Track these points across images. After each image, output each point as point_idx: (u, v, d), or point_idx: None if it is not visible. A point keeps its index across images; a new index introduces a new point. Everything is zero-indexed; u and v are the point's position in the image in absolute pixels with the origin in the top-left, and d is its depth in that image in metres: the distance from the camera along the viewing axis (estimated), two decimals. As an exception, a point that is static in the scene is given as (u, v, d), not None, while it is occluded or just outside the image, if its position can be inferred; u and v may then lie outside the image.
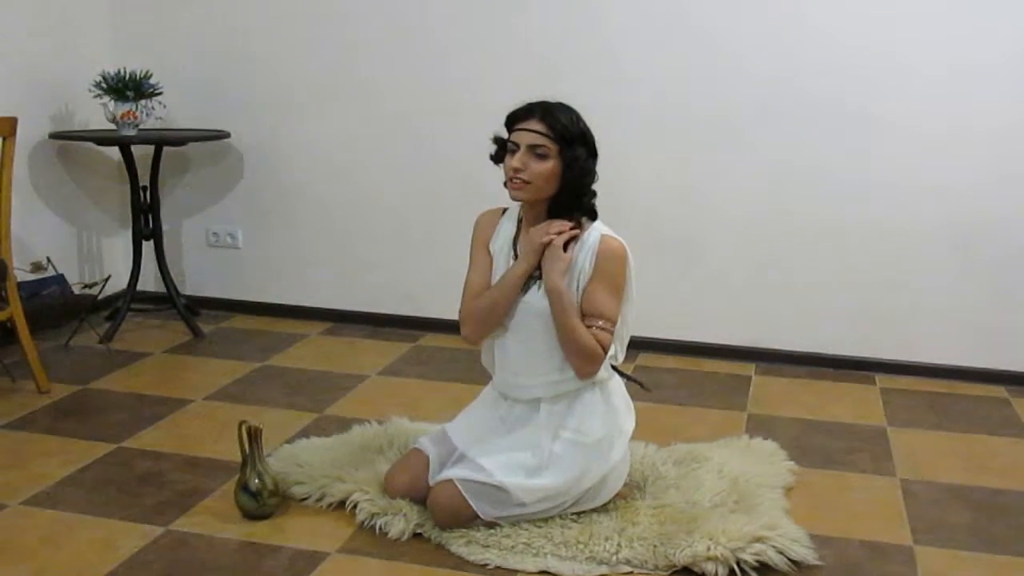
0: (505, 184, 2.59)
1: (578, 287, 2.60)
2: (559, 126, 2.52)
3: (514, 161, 2.53)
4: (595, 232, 2.61)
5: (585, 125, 2.58)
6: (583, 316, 2.59)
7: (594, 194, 2.63)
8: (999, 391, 3.91)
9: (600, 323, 2.58)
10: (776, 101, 3.96)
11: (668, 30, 4.01)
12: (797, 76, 3.92)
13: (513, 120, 2.58)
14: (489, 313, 2.67)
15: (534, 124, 2.53)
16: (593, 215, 2.64)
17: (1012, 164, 3.81)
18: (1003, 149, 3.81)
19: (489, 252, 2.75)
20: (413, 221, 4.46)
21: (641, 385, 2.87)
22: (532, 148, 2.52)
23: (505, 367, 2.73)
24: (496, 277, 2.70)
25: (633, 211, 4.02)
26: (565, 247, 2.57)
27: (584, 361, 2.59)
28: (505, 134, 2.61)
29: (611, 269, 2.59)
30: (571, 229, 2.58)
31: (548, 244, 2.57)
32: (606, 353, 2.61)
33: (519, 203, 2.66)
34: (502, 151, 2.61)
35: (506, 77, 4.12)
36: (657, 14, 4.00)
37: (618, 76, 4.08)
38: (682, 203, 4.14)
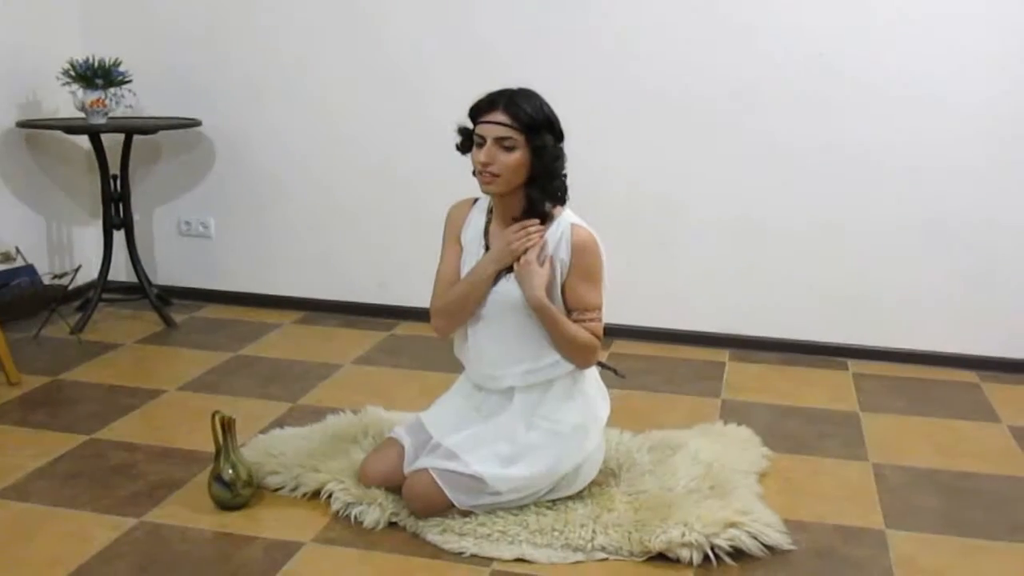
0: (474, 174, 2.58)
1: (559, 279, 2.60)
2: (524, 115, 2.50)
3: (481, 156, 2.52)
4: (565, 221, 2.61)
5: (549, 109, 2.56)
6: (571, 311, 2.61)
7: (565, 177, 2.62)
8: (970, 376, 3.95)
9: (590, 315, 2.60)
10: (751, 89, 3.97)
11: (650, 13, 4.00)
12: (774, 64, 3.93)
13: (476, 112, 2.56)
14: (459, 307, 2.67)
15: (498, 116, 2.51)
16: (563, 200, 2.63)
17: (984, 151, 3.84)
18: (975, 136, 3.83)
19: (460, 244, 2.75)
20: (388, 210, 4.44)
21: (615, 372, 2.88)
22: (499, 140, 2.50)
23: (478, 358, 2.73)
24: (466, 268, 2.70)
25: (608, 198, 4.02)
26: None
27: (584, 355, 2.63)
28: (470, 124, 2.59)
29: (588, 262, 2.59)
30: (540, 227, 2.59)
31: (523, 252, 2.56)
32: (600, 340, 2.63)
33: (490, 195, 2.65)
34: (468, 141, 2.60)
35: (482, 62, 4.10)
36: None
37: (596, 59, 4.07)
38: (656, 191, 4.15)
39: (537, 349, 2.63)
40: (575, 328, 2.58)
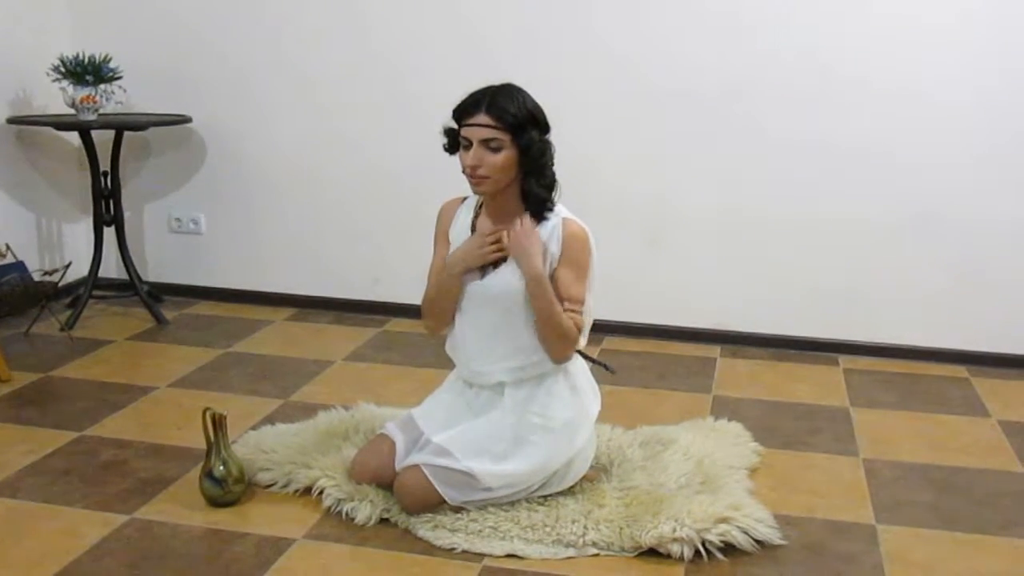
0: (464, 171, 2.58)
1: (548, 271, 2.60)
2: (507, 115, 2.49)
3: (469, 158, 2.52)
4: (557, 215, 2.61)
5: (533, 103, 2.55)
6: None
7: (553, 164, 2.60)
8: (960, 371, 3.96)
9: (572, 307, 2.60)
10: (742, 86, 3.97)
11: (642, 10, 4.00)
12: (766, 60, 3.94)
13: (460, 114, 2.55)
14: (434, 306, 2.71)
15: (482, 118, 2.50)
16: (551, 191, 2.62)
17: (972, 146, 3.85)
18: (965, 132, 3.84)
19: (449, 241, 2.75)
20: (379, 206, 4.44)
21: (606, 368, 2.88)
22: (484, 142, 2.50)
23: (465, 353, 2.73)
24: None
25: (600, 194, 4.02)
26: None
27: (564, 344, 2.61)
28: (455, 125, 2.58)
29: (577, 252, 2.59)
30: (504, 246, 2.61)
31: (498, 249, 2.58)
32: (580, 334, 2.63)
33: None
34: (454, 143, 2.59)
35: (476, 59, 4.09)
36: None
37: (589, 56, 4.08)
38: (647, 187, 4.15)
39: (527, 344, 2.63)
40: (562, 312, 2.57)
